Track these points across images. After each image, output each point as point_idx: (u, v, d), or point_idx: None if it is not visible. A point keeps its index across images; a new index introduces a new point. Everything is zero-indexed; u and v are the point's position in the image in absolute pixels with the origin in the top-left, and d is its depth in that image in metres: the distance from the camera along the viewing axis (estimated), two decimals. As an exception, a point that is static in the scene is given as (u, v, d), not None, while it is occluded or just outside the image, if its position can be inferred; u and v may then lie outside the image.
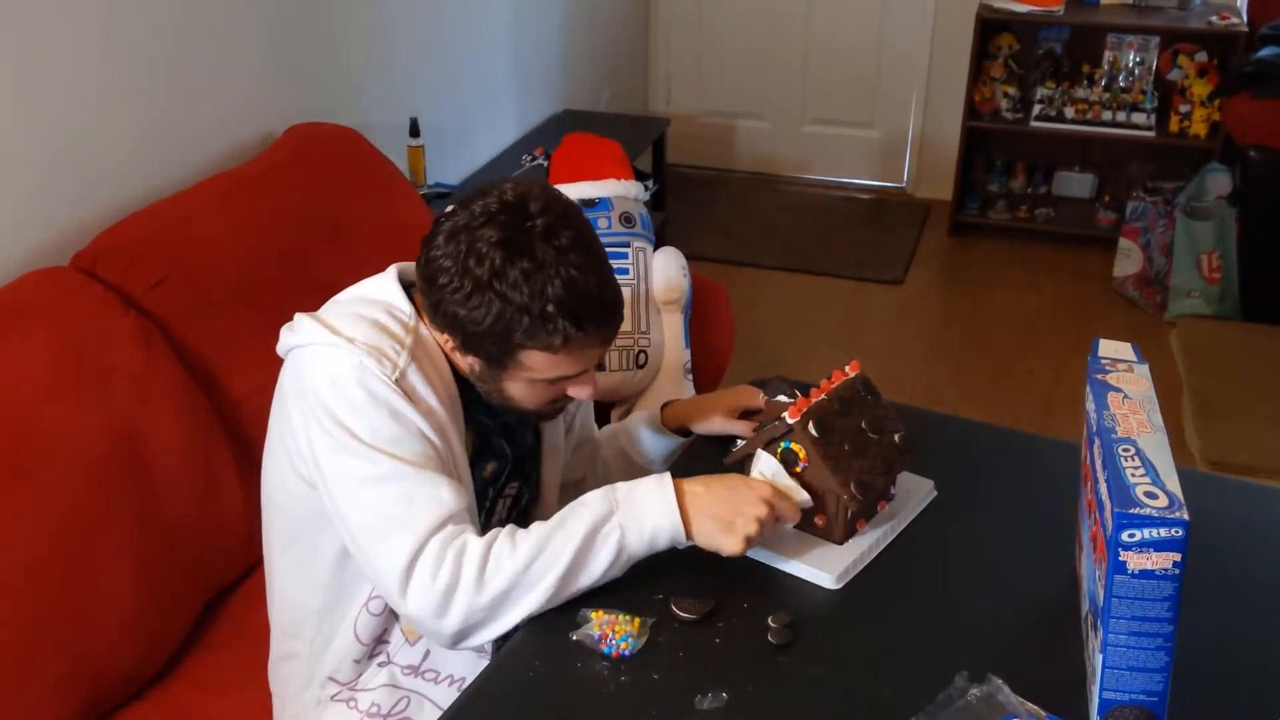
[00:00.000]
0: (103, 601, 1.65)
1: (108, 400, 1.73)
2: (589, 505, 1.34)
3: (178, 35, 2.23)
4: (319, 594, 1.46)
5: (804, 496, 1.40)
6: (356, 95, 2.86)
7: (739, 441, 1.48)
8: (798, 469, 1.42)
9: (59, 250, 1.96)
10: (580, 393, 1.44)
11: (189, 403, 1.85)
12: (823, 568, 1.39)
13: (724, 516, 1.34)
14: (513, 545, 1.30)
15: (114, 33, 2.07)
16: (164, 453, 1.78)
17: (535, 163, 3.40)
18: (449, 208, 1.37)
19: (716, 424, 1.64)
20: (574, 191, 2.47)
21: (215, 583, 1.89)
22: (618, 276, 2.30)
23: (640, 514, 1.33)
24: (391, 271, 1.47)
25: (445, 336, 1.40)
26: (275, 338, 1.47)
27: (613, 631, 1.28)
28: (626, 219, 2.44)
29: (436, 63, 3.25)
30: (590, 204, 2.44)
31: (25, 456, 1.62)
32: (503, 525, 1.35)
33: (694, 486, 1.36)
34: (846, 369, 1.51)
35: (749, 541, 1.34)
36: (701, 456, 1.65)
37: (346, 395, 1.32)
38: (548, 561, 1.29)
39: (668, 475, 1.37)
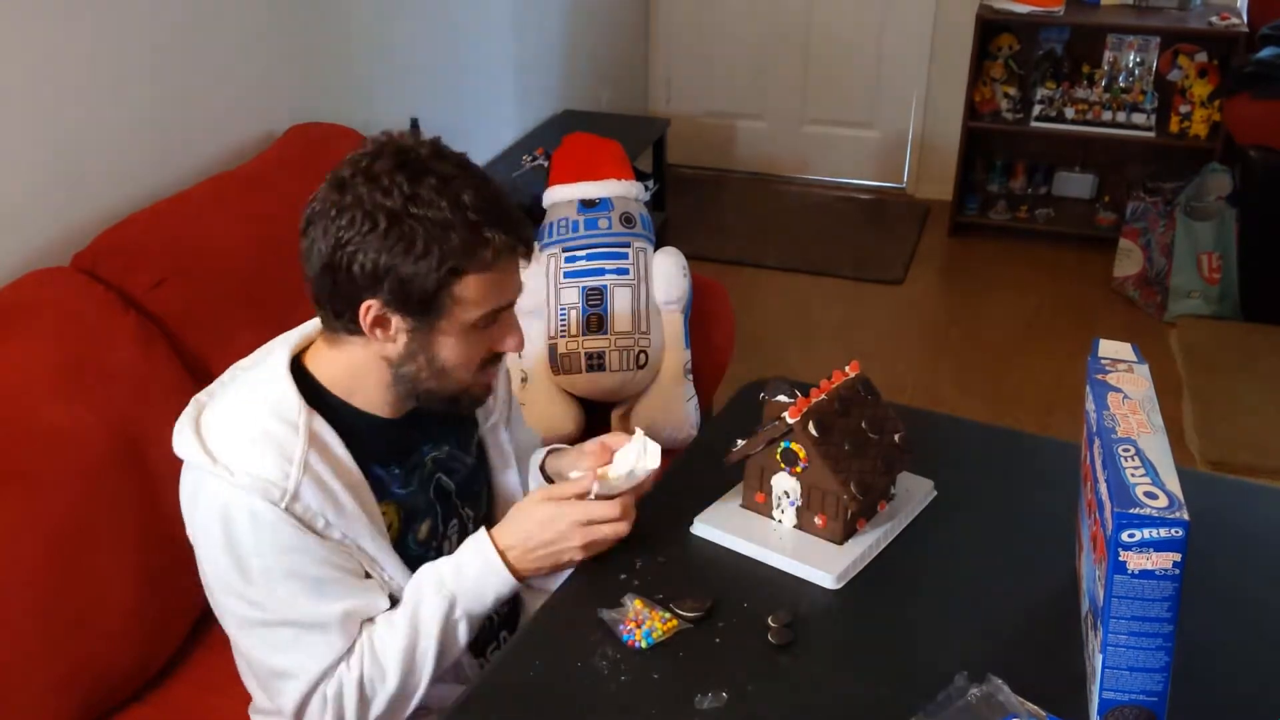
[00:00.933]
0: (103, 601, 1.65)
1: (108, 400, 1.73)
2: (427, 601, 1.36)
3: (178, 35, 2.23)
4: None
5: (655, 464, 1.41)
6: (357, 95, 2.86)
7: (739, 442, 1.48)
8: (798, 469, 1.42)
9: (59, 250, 1.96)
10: (510, 342, 1.39)
11: (189, 402, 1.85)
12: (823, 568, 1.39)
13: (549, 557, 1.38)
14: (381, 670, 1.34)
15: (114, 32, 2.07)
16: (164, 453, 1.76)
17: (535, 163, 3.40)
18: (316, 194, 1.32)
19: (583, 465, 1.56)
20: (574, 192, 2.47)
21: (215, 583, 1.89)
22: (618, 277, 2.28)
23: (477, 591, 1.38)
24: (281, 355, 1.38)
25: (366, 306, 1.29)
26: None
27: (639, 624, 1.29)
28: (626, 219, 2.44)
29: (437, 63, 3.25)
30: (590, 204, 2.44)
31: (25, 456, 1.62)
32: None
33: (512, 540, 1.38)
34: (846, 369, 1.51)
35: (579, 561, 1.39)
36: (705, 455, 1.65)
37: (237, 536, 1.29)
38: (417, 670, 1.36)
39: (484, 538, 1.39)
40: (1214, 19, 4.13)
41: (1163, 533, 1.05)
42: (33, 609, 1.57)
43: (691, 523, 1.48)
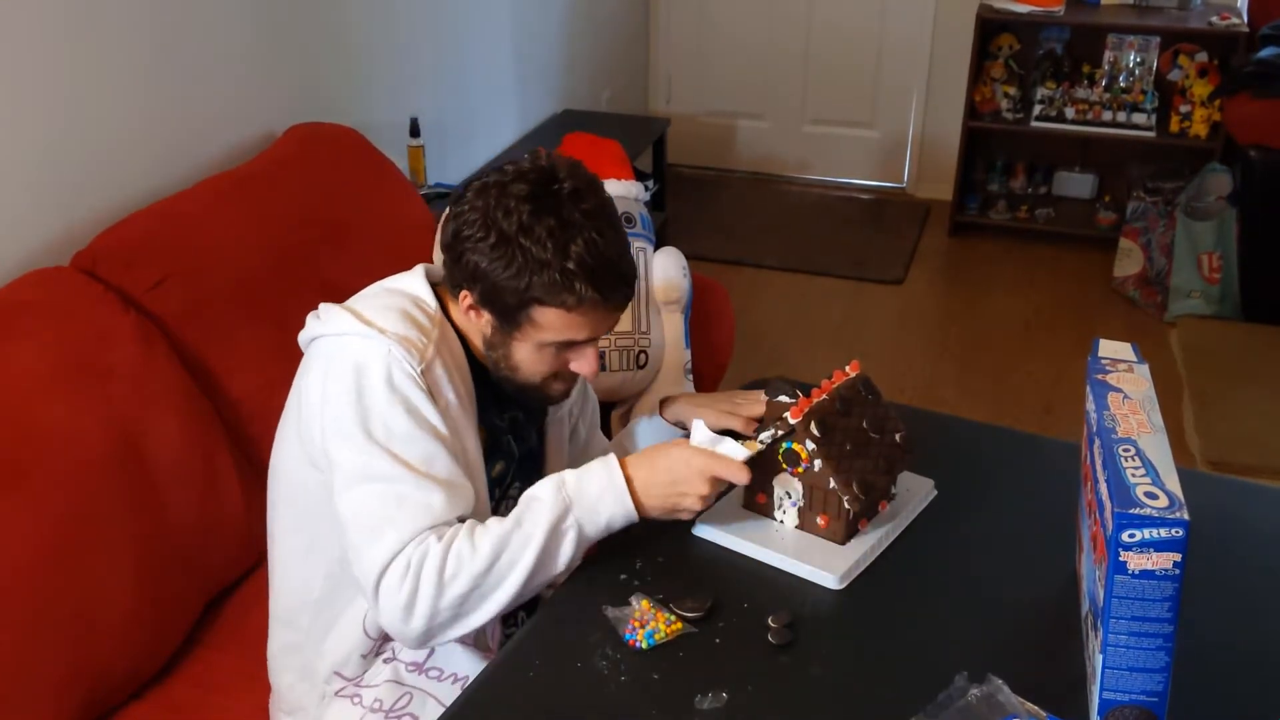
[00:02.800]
0: (103, 601, 1.65)
1: (108, 400, 1.73)
2: (542, 501, 1.37)
3: (178, 35, 2.23)
4: (319, 585, 1.48)
5: (743, 455, 1.40)
6: (357, 95, 2.86)
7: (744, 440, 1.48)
8: (799, 470, 1.42)
9: (59, 250, 1.96)
10: (582, 366, 1.46)
11: (189, 403, 1.85)
12: (826, 568, 1.39)
13: (671, 496, 1.39)
14: (473, 547, 1.32)
15: (114, 32, 2.07)
16: (164, 453, 1.78)
17: (535, 163, 3.40)
18: (476, 176, 1.42)
19: (710, 419, 1.64)
20: (574, 191, 2.47)
21: (215, 583, 1.89)
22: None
23: (594, 505, 1.38)
24: (419, 270, 1.50)
25: (464, 293, 1.42)
26: (275, 338, 1.47)
27: (643, 624, 1.29)
28: (626, 219, 2.44)
29: (437, 63, 3.25)
30: (590, 204, 2.44)
31: (25, 456, 1.62)
32: None
33: (639, 471, 1.40)
34: (847, 369, 1.51)
35: (697, 511, 1.41)
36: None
37: (368, 387, 1.35)
38: (509, 563, 1.33)
39: (614, 460, 1.40)
40: (1214, 19, 4.13)
41: (1163, 533, 1.04)
42: (32, 609, 1.57)
43: (693, 524, 1.48)
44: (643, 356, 2.36)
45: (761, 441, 1.42)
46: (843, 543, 1.42)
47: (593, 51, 4.43)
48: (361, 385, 1.36)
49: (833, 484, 1.40)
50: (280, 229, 2.13)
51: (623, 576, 1.40)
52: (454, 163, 3.33)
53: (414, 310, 1.43)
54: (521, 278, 1.36)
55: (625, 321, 2.35)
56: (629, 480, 1.39)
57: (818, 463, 1.40)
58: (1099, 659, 1.12)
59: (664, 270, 2.42)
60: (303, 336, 1.46)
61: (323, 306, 1.45)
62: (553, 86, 4.07)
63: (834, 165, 5.05)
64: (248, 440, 1.94)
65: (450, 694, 1.47)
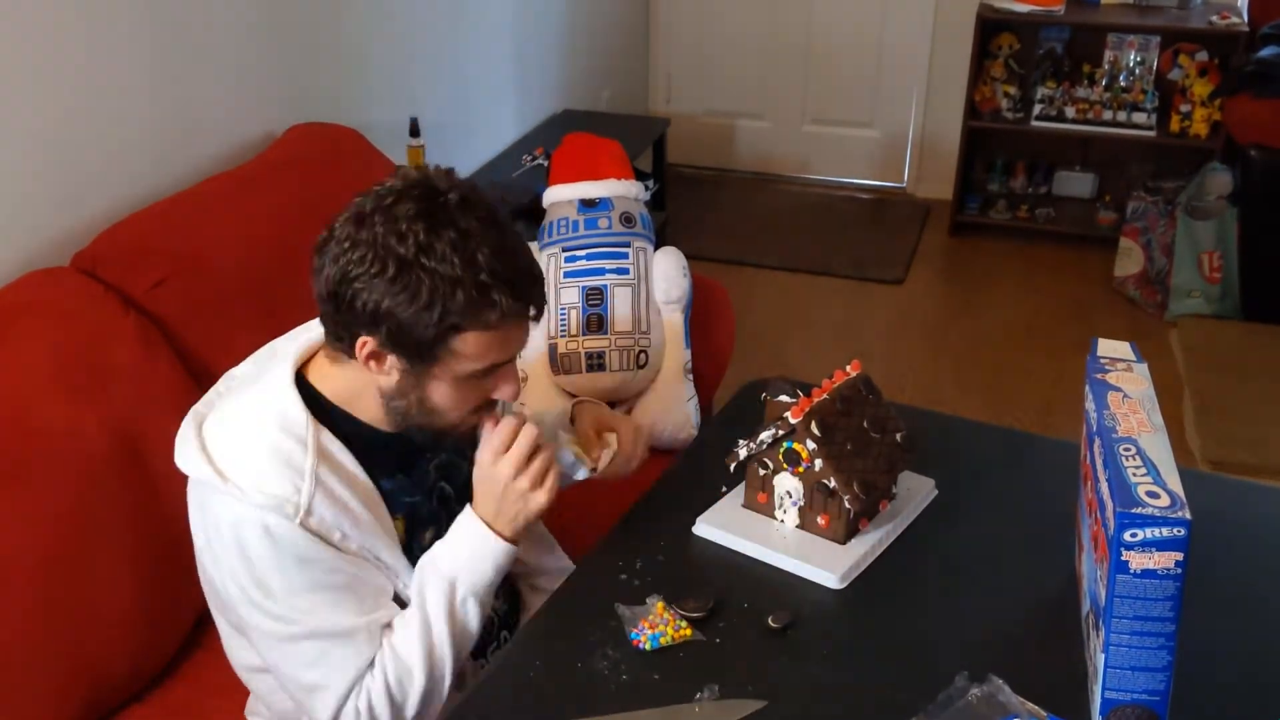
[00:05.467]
0: (103, 602, 1.65)
1: (108, 400, 1.72)
2: (430, 588, 1.35)
3: (178, 35, 2.22)
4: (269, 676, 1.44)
5: (511, 423, 1.37)
6: (356, 95, 2.86)
7: (740, 442, 1.48)
8: (800, 469, 1.42)
9: (59, 250, 1.95)
10: (505, 391, 1.37)
11: (189, 403, 1.84)
12: (826, 567, 1.39)
13: (514, 509, 1.37)
14: (406, 667, 1.33)
15: (114, 32, 2.07)
16: (164, 453, 1.76)
17: (535, 163, 3.40)
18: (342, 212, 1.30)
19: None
20: (574, 192, 2.47)
21: (215, 583, 1.89)
22: (618, 276, 2.28)
23: (476, 565, 1.37)
24: (286, 367, 1.37)
25: (362, 341, 1.28)
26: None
27: (652, 627, 1.29)
28: (627, 219, 2.44)
29: (437, 63, 3.25)
30: (590, 204, 2.44)
31: (25, 456, 1.61)
32: None
33: (485, 510, 1.38)
34: (848, 368, 1.51)
35: (550, 497, 1.38)
36: (706, 455, 1.65)
37: (254, 553, 1.29)
38: (441, 661, 1.35)
39: (469, 515, 1.39)
40: (1214, 18, 4.13)
41: (1165, 532, 1.04)
42: (32, 609, 1.57)
43: (694, 523, 1.48)
44: (643, 356, 2.36)
45: (741, 450, 1.44)
46: (843, 542, 1.42)
47: (593, 51, 4.43)
48: (246, 552, 1.29)
49: (833, 483, 1.39)
50: (280, 229, 2.13)
51: (623, 577, 1.40)
52: (454, 163, 3.29)
53: (281, 439, 1.30)
54: (434, 306, 1.23)
55: (625, 321, 2.35)
56: (489, 524, 1.37)
57: (818, 462, 1.40)
58: (1101, 658, 1.12)
59: (664, 270, 2.41)
60: (177, 460, 1.34)
61: (181, 436, 1.34)
62: (553, 86, 4.07)
63: (834, 165, 5.05)
64: (248, 440, 1.93)
65: None
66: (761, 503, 1.48)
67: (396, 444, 1.42)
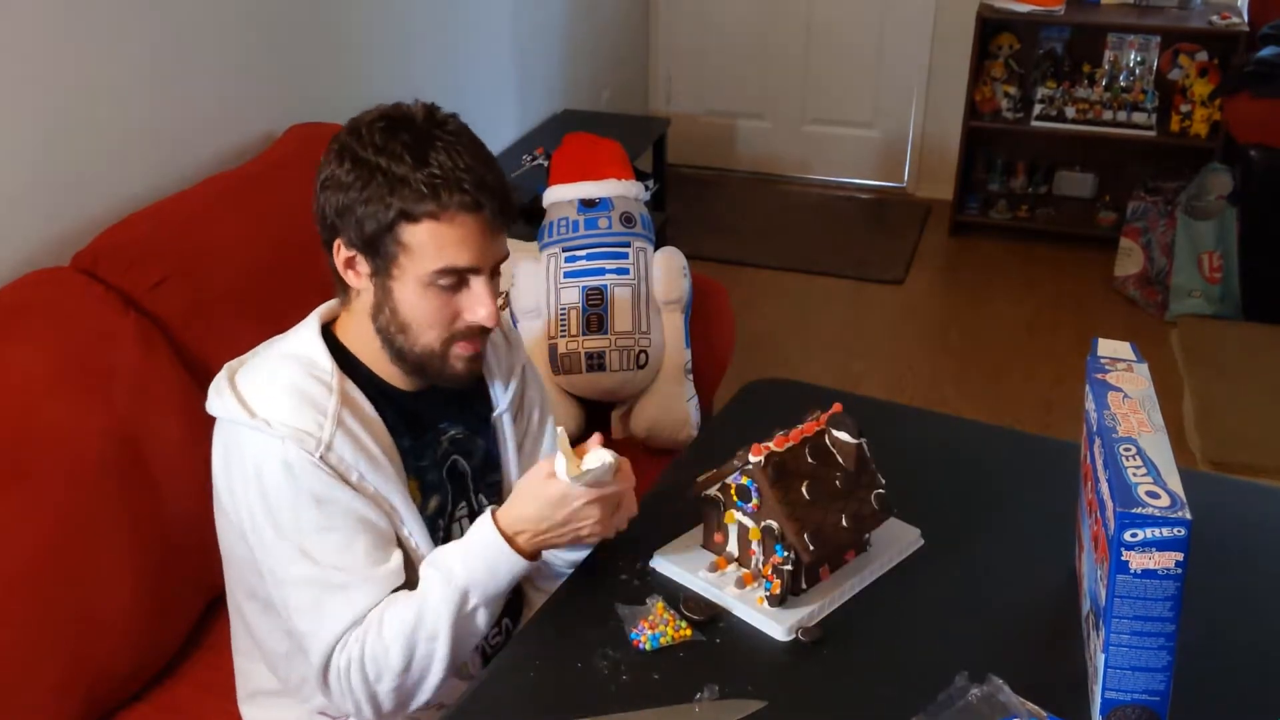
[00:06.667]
0: (103, 602, 1.65)
1: (108, 400, 1.72)
2: (436, 591, 1.33)
3: (178, 35, 2.22)
4: (285, 640, 1.45)
5: (609, 458, 1.30)
6: (357, 95, 2.83)
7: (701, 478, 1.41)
8: (755, 504, 1.34)
9: (59, 250, 1.96)
10: (476, 308, 1.36)
11: (189, 403, 1.85)
12: (774, 617, 1.31)
13: (566, 535, 1.34)
14: (385, 647, 1.32)
15: (113, 32, 2.07)
16: (164, 453, 1.78)
17: (535, 163, 3.40)
18: None
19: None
20: (574, 191, 2.47)
21: (215, 583, 1.87)
22: (618, 276, 2.27)
23: (491, 578, 1.34)
24: (313, 320, 1.43)
25: (338, 243, 1.35)
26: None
27: (653, 627, 1.29)
28: (627, 219, 2.44)
29: (437, 63, 3.25)
30: (590, 204, 2.44)
31: (25, 456, 1.61)
32: None
33: (521, 524, 1.34)
34: (825, 416, 1.41)
35: (600, 533, 1.36)
36: (706, 455, 1.65)
37: (270, 486, 1.32)
38: (425, 657, 1.33)
39: (490, 527, 1.34)
40: (1214, 18, 4.13)
41: (1165, 532, 1.04)
42: (32, 609, 1.57)
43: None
44: (643, 356, 2.36)
45: (706, 499, 1.38)
46: (781, 600, 1.32)
47: (593, 51, 4.43)
48: (264, 484, 1.32)
49: (779, 528, 1.31)
50: (280, 229, 2.13)
51: (623, 577, 1.40)
52: (454, 163, 3.32)
53: (307, 382, 1.35)
54: (382, 197, 1.29)
55: (625, 321, 2.35)
56: (514, 538, 1.34)
57: (768, 505, 1.32)
58: (1101, 658, 1.12)
59: (664, 270, 2.42)
60: (208, 407, 1.39)
61: (219, 381, 1.38)
62: (553, 86, 4.07)
63: (834, 165, 5.05)
64: (248, 440, 1.93)
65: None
66: (718, 543, 1.41)
67: (411, 404, 1.45)
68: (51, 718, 1.57)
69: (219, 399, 1.37)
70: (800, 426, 1.38)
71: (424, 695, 1.37)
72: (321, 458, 1.32)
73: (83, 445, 1.67)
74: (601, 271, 2.37)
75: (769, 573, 1.33)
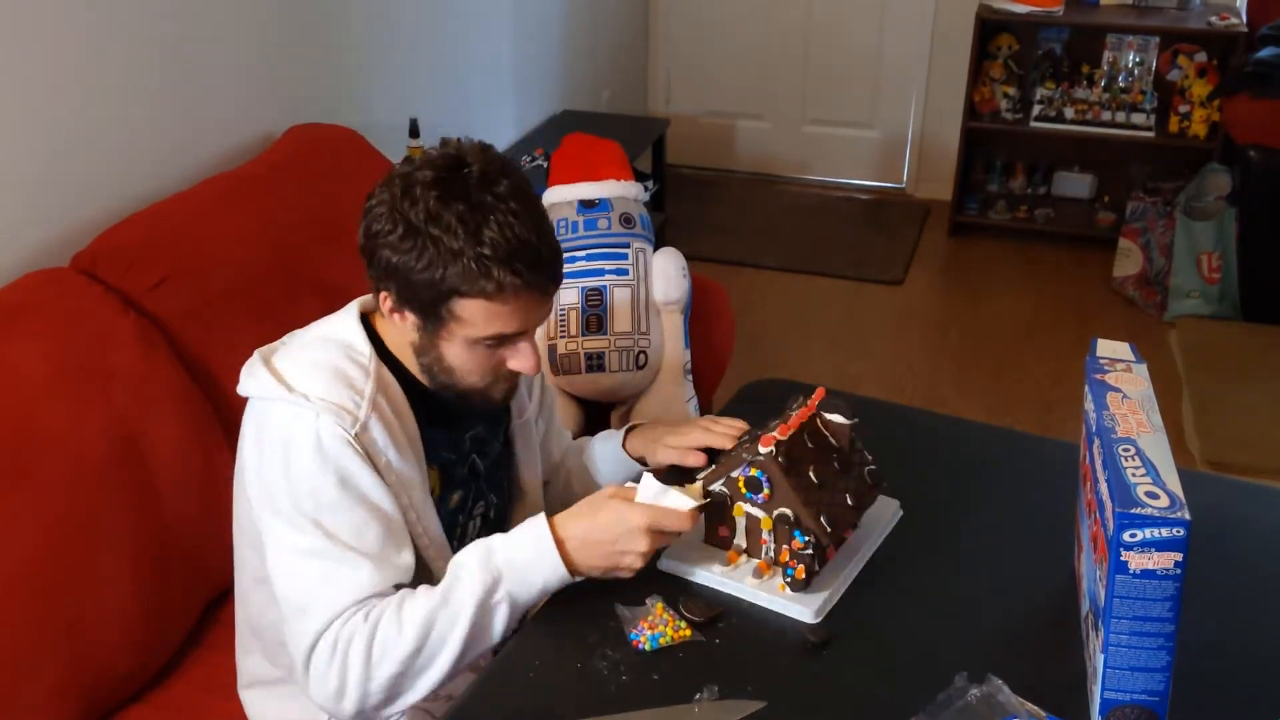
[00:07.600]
0: (102, 602, 1.65)
1: (108, 401, 1.73)
2: (471, 573, 1.31)
3: (178, 35, 2.23)
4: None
5: (689, 505, 1.32)
6: (356, 95, 2.86)
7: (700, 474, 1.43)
8: (766, 494, 1.36)
9: (59, 250, 1.96)
10: (520, 364, 1.39)
11: (189, 403, 1.85)
12: (800, 601, 1.33)
13: (610, 556, 1.32)
14: (399, 627, 1.28)
15: (114, 33, 2.07)
16: (164, 453, 1.78)
17: (535, 163, 3.40)
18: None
19: (673, 458, 1.57)
20: (574, 192, 2.47)
21: (215, 583, 1.89)
22: (618, 277, 2.27)
23: (524, 575, 1.31)
24: (353, 307, 1.45)
25: (384, 294, 1.36)
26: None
27: (653, 627, 1.29)
28: (626, 219, 2.44)
29: (436, 63, 3.25)
30: (590, 205, 2.44)
31: (25, 456, 1.62)
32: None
33: (573, 530, 1.32)
34: (810, 399, 1.44)
35: (638, 569, 1.33)
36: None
37: (297, 460, 1.31)
38: (438, 641, 1.29)
39: (543, 522, 1.33)
40: (1213, 19, 4.13)
41: (1164, 532, 1.05)
42: (32, 609, 1.57)
43: (658, 558, 1.42)
44: (642, 357, 2.36)
45: (709, 493, 1.38)
46: (807, 583, 1.35)
47: (592, 51, 4.43)
48: (290, 458, 1.31)
49: (794, 515, 1.33)
50: (280, 229, 2.13)
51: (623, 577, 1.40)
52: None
53: (345, 363, 1.36)
54: (434, 269, 1.29)
55: (625, 322, 2.35)
56: (562, 542, 1.31)
57: (783, 494, 1.34)
58: (1100, 659, 1.12)
59: (664, 271, 2.42)
60: (240, 389, 1.40)
61: (254, 360, 1.39)
62: (552, 86, 4.07)
63: (834, 165, 5.05)
64: (248, 441, 1.93)
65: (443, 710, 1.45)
66: (723, 537, 1.42)
67: (440, 401, 1.45)
68: (51, 718, 1.57)
69: (252, 379, 1.37)
70: (795, 413, 1.41)
71: (411, 696, 1.32)
72: (356, 436, 1.32)
73: (83, 445, 1.68)
74: (601, 272, 2.37)
75: (788, 559, 1.35)
